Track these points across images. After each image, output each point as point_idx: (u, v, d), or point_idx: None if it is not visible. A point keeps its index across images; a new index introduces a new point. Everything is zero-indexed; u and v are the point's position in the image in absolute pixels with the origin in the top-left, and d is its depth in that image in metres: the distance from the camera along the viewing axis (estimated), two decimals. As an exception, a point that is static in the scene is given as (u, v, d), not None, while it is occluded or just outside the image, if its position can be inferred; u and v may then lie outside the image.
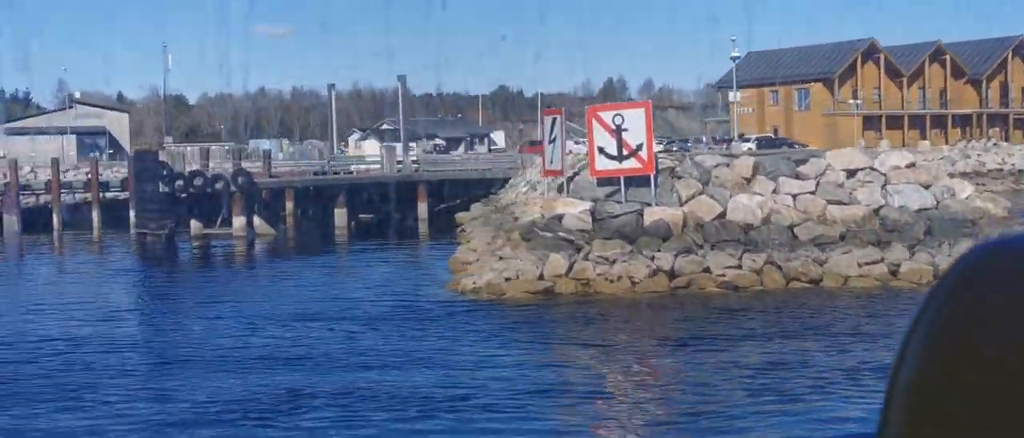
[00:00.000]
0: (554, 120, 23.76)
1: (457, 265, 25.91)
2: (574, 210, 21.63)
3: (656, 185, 21.82)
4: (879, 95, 69.52)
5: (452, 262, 26.76)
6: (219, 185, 40.61)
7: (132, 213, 41.42)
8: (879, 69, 69.50)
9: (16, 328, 19.98)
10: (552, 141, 23.56)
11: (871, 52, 69.28)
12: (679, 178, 22.34)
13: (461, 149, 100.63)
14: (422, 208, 48.25)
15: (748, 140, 62.75)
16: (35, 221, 47.87)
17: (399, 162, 52.80)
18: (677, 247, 20.97)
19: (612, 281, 20.41)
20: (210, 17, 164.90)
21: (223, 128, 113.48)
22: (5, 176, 49.93)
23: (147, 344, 17.94)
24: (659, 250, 21.00)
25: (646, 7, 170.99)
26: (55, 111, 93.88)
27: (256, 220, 41.55)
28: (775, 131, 71.07)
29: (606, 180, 22.25)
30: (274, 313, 20.54)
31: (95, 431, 12.09)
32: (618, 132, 21.57)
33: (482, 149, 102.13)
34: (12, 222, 46.67)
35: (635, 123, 21.56)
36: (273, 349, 16.22)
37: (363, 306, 21.00)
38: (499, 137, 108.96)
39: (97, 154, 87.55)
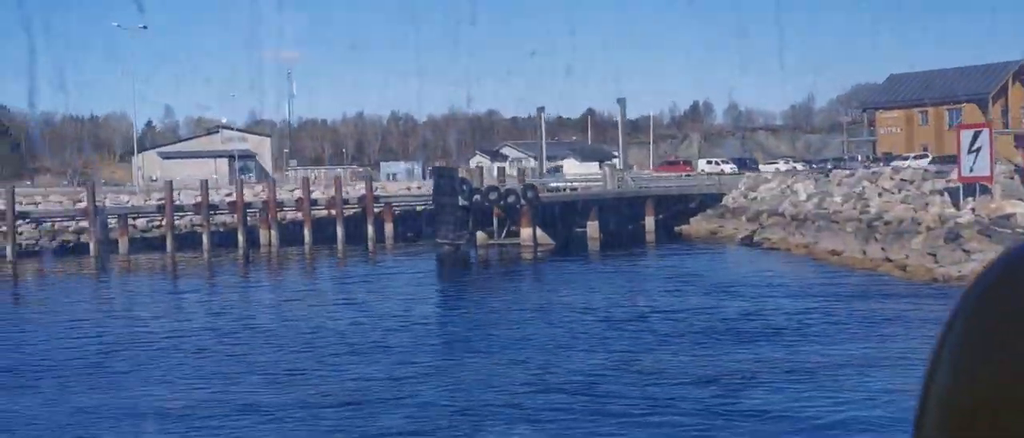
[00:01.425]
0: (977, 133, 27.46)
1: (855, 261, 29.61)
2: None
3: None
4: (1027, 114, 73.01)
5: (839, 259, 30.49)
6: (511, 199, 44.26)
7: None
8: (1028, 89, 73.08)
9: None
10: (973, 151, 27.20)
11: (1021, 73, 72.83)
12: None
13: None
14: (649, 220, 51.96)
15: (924, 157, 65.97)
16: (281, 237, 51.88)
17: (620, 180, 56.78)
18: (1124, 239, 24.57)
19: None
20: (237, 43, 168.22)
21: (345, 151, 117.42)
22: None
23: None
24: (1108, 242, 24.58)
25: (720, 32, 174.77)
26: (202, 135, 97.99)
27: (537, 231, 45.15)
28: (924, 149, 74.18)
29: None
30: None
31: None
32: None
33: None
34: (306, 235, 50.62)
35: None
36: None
37: (862, 289, 24.65)
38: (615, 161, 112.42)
39: (248, 176, 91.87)
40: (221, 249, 50.88)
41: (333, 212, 53.51)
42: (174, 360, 20.01)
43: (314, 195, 55.11)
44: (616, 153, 72.66)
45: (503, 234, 45.03)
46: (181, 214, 52.60)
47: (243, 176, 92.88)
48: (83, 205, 49.38)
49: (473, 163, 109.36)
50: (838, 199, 36.75)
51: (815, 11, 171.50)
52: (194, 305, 31.40)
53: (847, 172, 45.22)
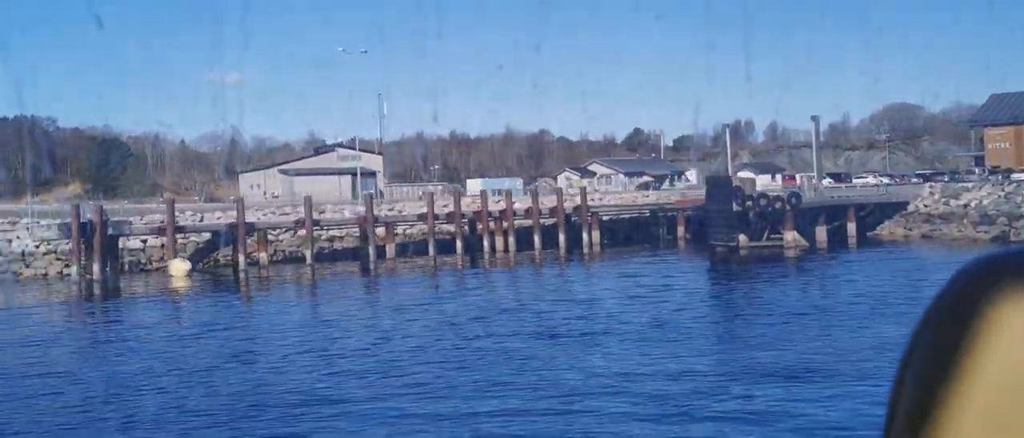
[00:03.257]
0: None
1: None
2: None
3: None
4: None
5: None
6: (778, 205, 49.27)
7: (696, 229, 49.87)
8: None
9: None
10: None
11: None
12: None
13: (666, 184, 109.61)
14: (850, 226, 57.21)
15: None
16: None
17: (815, 190, 62.13)
18: None
19: None
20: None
21: (413, 170, 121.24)
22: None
23: None
24: None
25: (751, 54, 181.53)
26: (317, 154, 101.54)
27: (794, 234, 50.16)
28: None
29: None
30: None
31: None
32: None
33: (680, 184, 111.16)
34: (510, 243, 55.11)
35: None
36: None
37: None
38: (692, 175, 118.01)
39: (370, 192, 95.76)
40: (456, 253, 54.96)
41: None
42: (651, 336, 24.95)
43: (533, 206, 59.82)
44: (785, 167, 77.93)
45: (765, 236, 49.90)
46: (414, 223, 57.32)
47: (364, 191, 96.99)
48: (363, 214, 53.67)
49: (561, 179, 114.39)
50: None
51: (843, 35, 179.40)
52: (564, 294, 35.79)
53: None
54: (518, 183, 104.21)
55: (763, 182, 72.31)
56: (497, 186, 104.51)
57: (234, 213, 51.21)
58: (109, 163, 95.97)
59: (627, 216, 64.69)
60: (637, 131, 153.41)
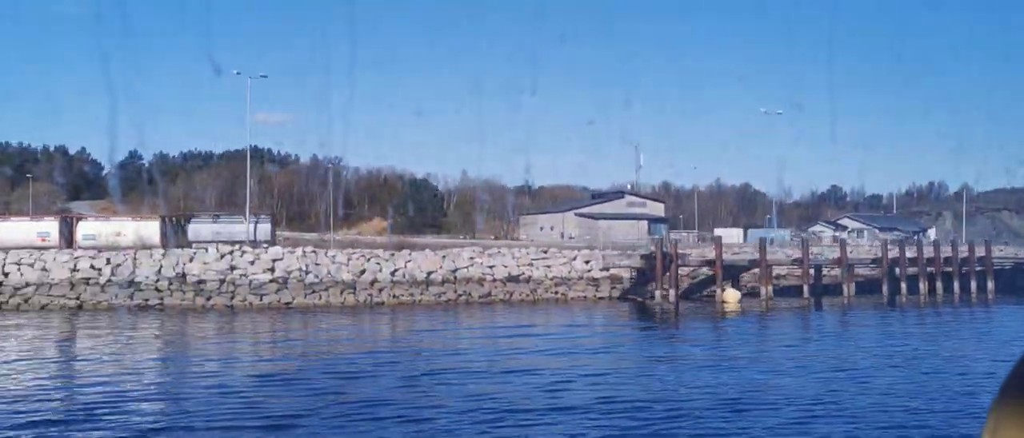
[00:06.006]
0: None
1: None
2: None
3: None
4: None
5: None
6: None
7: None
8: None
9: None
10: None
11: None
12: None
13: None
14: None
15: None
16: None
17: None
18: None
19: None
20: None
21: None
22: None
23: None
24: None
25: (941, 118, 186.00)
26: (608, 201, 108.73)
27: None
28: None
29: None
30: None
31: None
32: None
33: (926, 241, 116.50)
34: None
35: None
36: None
37: None
38: (932, 232, 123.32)
39: (660, 236, 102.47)
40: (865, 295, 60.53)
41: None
42: None
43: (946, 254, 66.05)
44: None
45: None
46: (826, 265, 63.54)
47: (655, 236, 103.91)
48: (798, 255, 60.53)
49: (813, 230, 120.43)
50: None
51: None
52: None
53: None
54: (787, 234, 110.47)
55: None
56: (771, 236, 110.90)
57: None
58: (417, 201, 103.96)
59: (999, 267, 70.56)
60: (834, 188, 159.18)
